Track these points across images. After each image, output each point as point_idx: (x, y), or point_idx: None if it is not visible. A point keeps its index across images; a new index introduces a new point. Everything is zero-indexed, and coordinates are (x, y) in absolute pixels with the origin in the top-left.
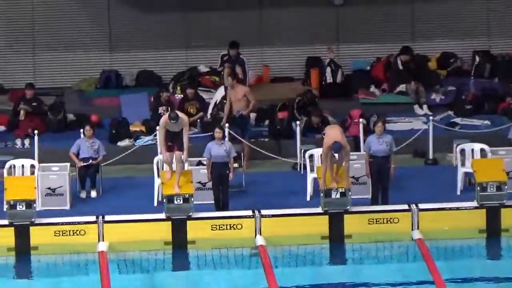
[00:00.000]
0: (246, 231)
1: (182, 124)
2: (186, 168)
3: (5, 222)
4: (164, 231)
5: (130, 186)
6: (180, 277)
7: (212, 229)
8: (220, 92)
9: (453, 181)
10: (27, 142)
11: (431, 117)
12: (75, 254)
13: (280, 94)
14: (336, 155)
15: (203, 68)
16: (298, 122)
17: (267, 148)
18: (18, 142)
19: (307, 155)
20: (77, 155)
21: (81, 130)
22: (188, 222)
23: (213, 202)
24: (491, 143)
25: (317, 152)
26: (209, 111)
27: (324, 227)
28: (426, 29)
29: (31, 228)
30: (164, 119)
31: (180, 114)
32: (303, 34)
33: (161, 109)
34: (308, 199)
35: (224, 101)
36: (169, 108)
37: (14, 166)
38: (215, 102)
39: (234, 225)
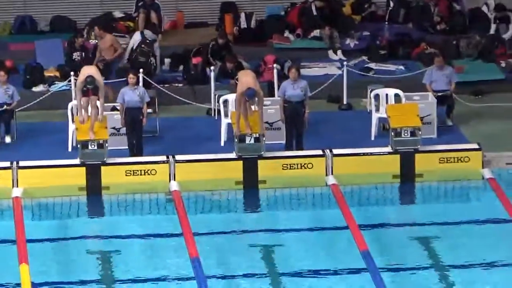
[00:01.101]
0: (160, 176)
1: (98, 86)
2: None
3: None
4: (79, 176)
5: (45, 131)
6: (94, 223)
7: (126, 175)
8: (136, 37)
9: (367, 127)
10: None
11: (345, 62)
12: None
13: (194, 40)
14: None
15: (117, 14)
16: (212, 68)
17: (182, 94)
18: None
19: (221, 100)
20: None
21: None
22: (102, 168)
23: (127, 147)
24: (406, 89)
25: (231, 97)
26: (126, 56)
27: (238, 173)
28: None
29: None
30: (80, 81)
31: (97, 76)
32: None
33: (75, 55)
34: (222, 144)
35: (142, 46)
36: (83, 54)
37: None
38: (132, 47)
39: (148, 170)
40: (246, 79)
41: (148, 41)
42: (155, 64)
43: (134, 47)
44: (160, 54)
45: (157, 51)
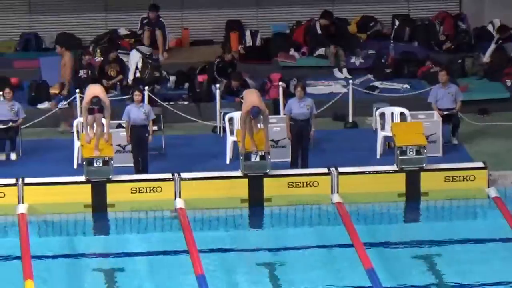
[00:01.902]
0: (165, 194)
1: (104, 107)
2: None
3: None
4: (84, 193)
5: (50, 148)
6: (100, 240)
7: (132, 192)
8: (135, 56)
9: (373, 145)
10: None
11: (350, 81)
12: None
13: (199, 57)
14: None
15: (122, 31)
16: (218, 85)
17: (187, 111)
18: None
19: (226, 118)
20: None
21: (1, 93)
22: (108, 185)
23: (132, 165)
24: (411, 107)
25: (237, 115)
26: (130, 76)
27: (244, 190)
28: None
29: None
30: (86, 101)
31: (102, 96)
32: None
33: (81, 72)
34: (227, 162)
35: (150, 62)
36: (89, 71)
37: None
38: (136, 66)
39: (154, 188)
40: (251, 97)
41: (147, 55)
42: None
43: (139, 65)
44: (166, 72)
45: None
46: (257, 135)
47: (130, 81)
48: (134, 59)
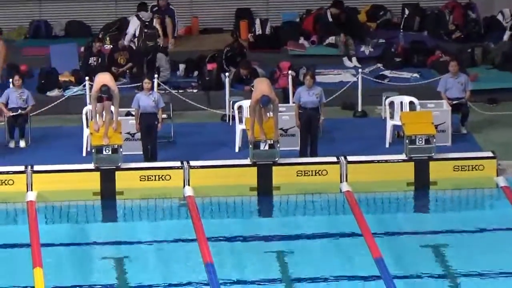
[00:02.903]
0: (174, 182)
1: (113, 95)
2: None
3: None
4: (93, 181)
5: (59, 136)
6: (108, 227)
7: (140, 180)
8: (134, 23)
9: (382, 134)
10: None
11: (360, 70)
12: (3, 203)
13: (209, 46)
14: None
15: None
16: (227, 74)
17: (196, 99)
18: None
19: (236, 106)
20: (6, 105)
21: (10, 80)
22: (117, 173)
23: (141, 152)
24: (420, 96)
25: (246, 103)
26: (125, 42)
27: (253, 179)
28: None
29: None
30: (95, 90)
31: (111, 84)
32: None
33: (91, 60)
34: (236, 150)
35: (145, 31)
36: (99, 58)
37: None
38: (134, 33)
39: (162, 175)
40: (261, 86)
41: (147, 23)
42: (162, 45)
43: (137, 33)
44: (175, 60)
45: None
46: (267, 124)
47: (126, 43)
48: (132, 26)
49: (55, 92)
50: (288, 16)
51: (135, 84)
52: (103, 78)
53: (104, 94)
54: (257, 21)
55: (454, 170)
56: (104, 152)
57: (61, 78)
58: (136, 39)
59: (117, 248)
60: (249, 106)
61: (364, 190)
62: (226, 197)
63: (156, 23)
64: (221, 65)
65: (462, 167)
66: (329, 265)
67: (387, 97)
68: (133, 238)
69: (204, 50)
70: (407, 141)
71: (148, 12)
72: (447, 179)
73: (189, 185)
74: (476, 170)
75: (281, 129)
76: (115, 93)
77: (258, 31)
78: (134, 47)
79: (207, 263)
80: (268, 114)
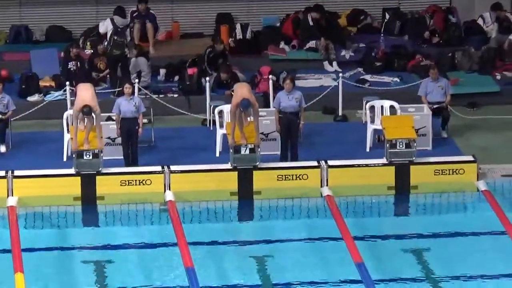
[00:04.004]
0: (155, 186)
1: (94, 115)
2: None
3: None
4: (74, 186)
5: (40, 141)
6: (89, 232)
7: (121, 185)
8: (107, 26)
9: (363, 138)
10: None
11: (340, 74)
12: None
13: (189, 50)
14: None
15: None
16: (207, 78)
17: (177, 104)
18: None
19: (216, 111)
20: None
21: None
22: (97, 178)
23: (122, 157)
24: (401, 100)
25: (227, 108)
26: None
27: (233, 183)
28: None
29: None
30: (76, 109)
31: (93, 103)
32: None
33: (70, 64)
34: (217, 155)
35: (114, 38)
36: (78, 63)
37: None
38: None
39: (143, 180)
40: (241, 91)
41: (119, 29)
42: (129, 55)
43: (107, 37)
44: (156, 65)
45: (128, 37)
46: (247, 128)
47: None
48: (102, 29)
49: (35, 97)
50: (268, 21)
51: (115, 89)
52: (85, 96)
53: (86, 115)
54: (238, 26)
55: (434, 174)
56: (84, 157)
57: (42, 83)
58: (105, 43)
59: (98, 253)
60: (230, 111)
61: (345, 194)
62: (206, 201)
63: (136, 28)
64: (202, 70)
65: (443, 171)
66: (310, 270)
67: (367, 101)
68: (114, 242)
69: (185, 54)
70: (387, 145)
71: (124, 19)
72: (427, 183)
73: (169, 189)
74: (457, 174)
75: (261, 133)
76: (97, 113)
77: (239, 35)
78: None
79: (188, 267)
80: (248, 119)
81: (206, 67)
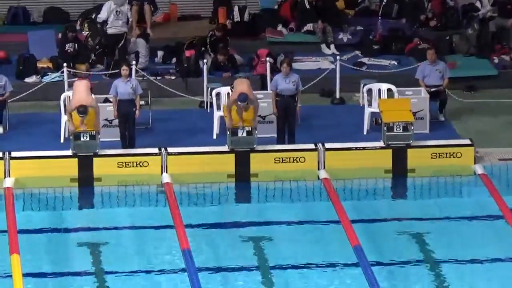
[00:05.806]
0: (152, 168)
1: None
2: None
3: None
4: (71, 167)
5: (37, 122)
6: (86, 214)
7: (118, 166)
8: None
9: (360, 121)
10: None
11: (338, 57)
12: None
13: (187, 32)
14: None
15: None
16: (205, 60)
17: (174, 86)
18: None
19: (214, 93)
20: None
21: None
22: (95, 159)
23: (119, 139)
24: (398, 83)
25: (224, 90)
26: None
27: (231, 166)
28: None
29: None
30: (71, 107)
31: (89, 102)
32: None
33: (68, 46)
34: (214, 137)
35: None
36: (76, 45)
37: None
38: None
39: (140, 162)
40: (241, 87)
41: (117, 11)
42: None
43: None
44: (153, 47)
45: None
46: (245, 112)
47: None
48: (105, 11)
49: (33, 79)
50: (266, 3)
51: (113, 71)
52: (80, 95)
53: (82, 114)
54: (236, 8)
55: (432, 158)
56: (82, 139)
57: (39, 65)
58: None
59: (94, 234)
60: (227, 105)
61: (342, 177)
62: (203, 183)
63: (134, 10)
64: (200, 52)
65: (440, 154)
66: (307, 252)
67: (365, 84)
68: (111, 224)
69: (182, 37)
70: (385, 128)
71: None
72: (425, 167)
73: (166, 171)
74: (454, 157)
75: (259, 116)
76: (92, 111)
77: (236, 18)
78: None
79: (184, 249)
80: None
81: (208, 49)
